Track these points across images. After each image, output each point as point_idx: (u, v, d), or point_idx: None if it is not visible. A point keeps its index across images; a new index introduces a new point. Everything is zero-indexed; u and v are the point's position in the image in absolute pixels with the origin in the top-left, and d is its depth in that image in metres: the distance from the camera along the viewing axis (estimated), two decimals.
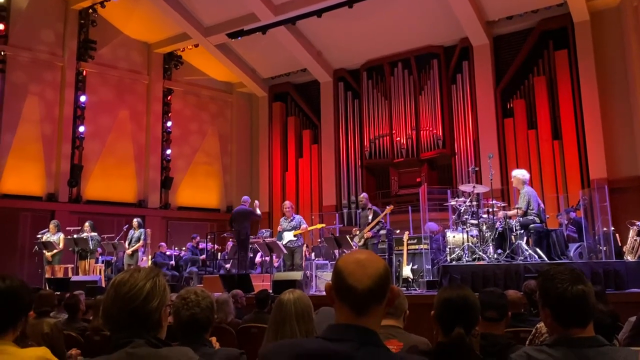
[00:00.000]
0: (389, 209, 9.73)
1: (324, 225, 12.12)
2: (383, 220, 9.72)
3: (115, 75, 15.49)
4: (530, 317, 4.31)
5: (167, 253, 13.36)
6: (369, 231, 9.40)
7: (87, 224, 11.55)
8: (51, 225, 11.50)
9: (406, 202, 12.07)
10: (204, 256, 13.06)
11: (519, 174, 8.24)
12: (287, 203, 10.61)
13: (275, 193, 16.19)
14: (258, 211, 11.05)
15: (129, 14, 15.01)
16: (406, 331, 2.88)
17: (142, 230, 11.70)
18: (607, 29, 11.98)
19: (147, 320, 1.63)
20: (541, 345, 1.83)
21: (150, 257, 12.56)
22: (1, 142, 13.49)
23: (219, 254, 13.31)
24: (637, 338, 3.36)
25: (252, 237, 12.02)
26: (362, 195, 10.03)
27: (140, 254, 11.65)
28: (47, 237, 11.26)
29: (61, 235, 11.28)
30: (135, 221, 11.81)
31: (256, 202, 11.32)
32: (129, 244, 11.47)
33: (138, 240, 11.48)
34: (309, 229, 10.25)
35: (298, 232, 9.93)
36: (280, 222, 10.33)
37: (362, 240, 9.39)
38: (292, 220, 10.11)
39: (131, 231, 11.69)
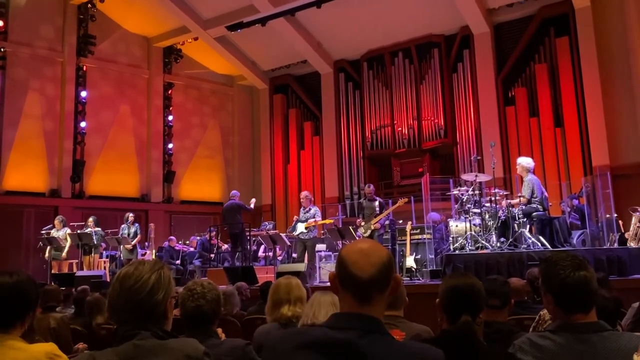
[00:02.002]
0: (402, 201, 9.67)
1: (332, 221, 12.04)
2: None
3: (116, 70, 15.47)
4: (534, 304, 4.33)
5: (177, 248, 13.32)
6: (376, 222, 9.38)
7: (90, 219, 11.58)
8: (56, 221, 11.54)
9: (408, 192, 12.06)
10: (212, 255, 12.88)
11: (524, 161, 8.22)
12: (303, 193, 10.50)
13: (277, 185, 16.20)
14: (251, 206, 11.07)
15: (128, 8, 14.96)
16: (408, 320, 2.90)
17: (137, 225, 11.76)
18: (609, 15, 11.91)
19: (152, 312, 1.65)
20: (544, 332, 1.85)
21: (154, 251, 12.59)
22: (3, 138, 13.51)
23: (222, 247, 13.31)
24: None
25: (255, 229, 12.07)
26: (369, 188, 9.97)
27: (138, 249, 11.69)
28: (53, 232, 11.31)
29: (67, 231, 11.32)
30: (131, 216, 11.83)
31: (252, 199, 11.36)
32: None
33: (135, 235, 11.52)
34: (319, 223, 10.10)
35: (308, 224, 9.88)
36: (299, 212, 10.30)
37: (369, 231, 9.37)
38: (308, 211, 10.04)
39: (123, 226, 11.68)
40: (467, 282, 2.20)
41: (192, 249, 13.32)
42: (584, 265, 1.83)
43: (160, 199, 15.75)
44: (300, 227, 9.89)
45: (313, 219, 9.93)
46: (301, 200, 10.34)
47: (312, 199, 10.68)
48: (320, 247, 11.18)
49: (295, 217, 10.36)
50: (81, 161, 14.47)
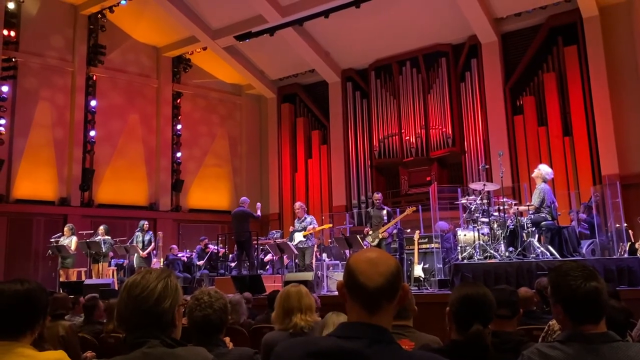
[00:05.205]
0: (409, 210, 9.67)
1: (331, 225, 12.13)
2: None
3: (125, 80, 15.59)
4: (543, 314, 4.30)
5: (179, 255, 13.42)
6: (384, 231, 9.37)
7: (101, 227, 11.64)
8: (66, 229, 11.62)
9: (416, 201, 12.04)
10: (202, 262, 12.91)
11: (544, 171, 8.15)
12: (297, 204, 10.67)
13: (285, 194, 16.22)
14: (258, 212, 11.12)
15: (138, 18, 15.11)
16: (417, 330, 2.89)
17: (150, 232, 11.81)
18: (617, 23, 11.89)
19: (160, 321, 1.66)
20: (553, 342, 1.83)
21: (162, 259, 12.62)
22: (14, 147, 13.63)
23: (230, 255, 13.32)
24: None
25: (262, 238, 12.08)
26: (377, 195, 9.97)
27: (152, 256, 11.71)
28: (62, 240, 11.37)
29: (73, 239, 11.37)
30: (145, 224, 11.88)
31: (258, 204, 11.40)
32: (141, 248, 11.50)
33: (149, 243, 11.54)
34: (317, 229, 10.27)
35: (306, 232, 9.96)
36: (294, 223, 10.42)
37: (377, 240, 9.35)
38: (303, 221, 10.17)
39: (137, 234, 11.72)
40: (480, 292, 2.21)
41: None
42: (594, 275, 1.82)
43: (169, 207, 15.80)
44: (298, 237, 9.96)
45: (311, 227, 10.03)
46: (295, 210, 10.53)
47: (306, 208, 10.95)
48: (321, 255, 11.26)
49: (291, 227, 10.47)
50: (90, 170, 14.56)
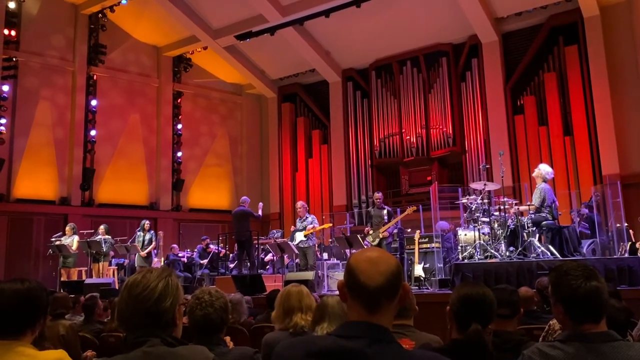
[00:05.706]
0: (410, 210, 9.67)
1: (330, 224, 12.14)
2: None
3: (126, 79, 15.60)
4: (543, 314, 4.29)
5: (180, 255, 13.42)
6: (385, 231, 9.37)
7: (102, 227, 11.64)
8: (67, 228, 11.63)
9: (417, 201, 12.04)
10: (205, 261, 12.92)
11: (544, 169, 8.14)
12: (299, 203, 10.67)
13: (285, 194, 16.22)
14: (259, 212, 11.13)
15: (138, 18, 15.11)
16: (418, 330, 2.89)
17: (152, 232, 11.79)
18: (618, 23, 11.88)
19: (161, 320, 1.66)
20: (553, 341, 1.83)
21: (162, 259, 12.62)
22: (14, 147, 13.63)
23: (230, 255, 13.31)
24: None
25: (262, 237, 12.09)
26: (378, 195, 9.97)
27: (153, 256, 11.70)
28: (63, 240, 11.38)
29: (75, 238, 11.38)
30: (147, 223, 11.87)
31: (260, 204, 11.42)
32: (141, 247, 11.48)
33: (150, 242, 11.52)
34: (317, 228, 10.28)
35: (306, 232, 9.96)
36: (296, 222, 10.45)
37: (377, 240, 9.35)
38: (304, 220, 10.18)
39: (139, 233, 11.71)
40: (480, 292, 2.22)
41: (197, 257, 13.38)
42: (595, 275, 1.82)
43: (169, 207, 15.81)
44: (299, 236, 9.97)
45: (311, 226, 10.03)
46: (297, 210, 10.55)
47: (308, 208, 10.97)
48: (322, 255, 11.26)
49: (293, 227, 10.49)
50: (91, 169, 14.56)
